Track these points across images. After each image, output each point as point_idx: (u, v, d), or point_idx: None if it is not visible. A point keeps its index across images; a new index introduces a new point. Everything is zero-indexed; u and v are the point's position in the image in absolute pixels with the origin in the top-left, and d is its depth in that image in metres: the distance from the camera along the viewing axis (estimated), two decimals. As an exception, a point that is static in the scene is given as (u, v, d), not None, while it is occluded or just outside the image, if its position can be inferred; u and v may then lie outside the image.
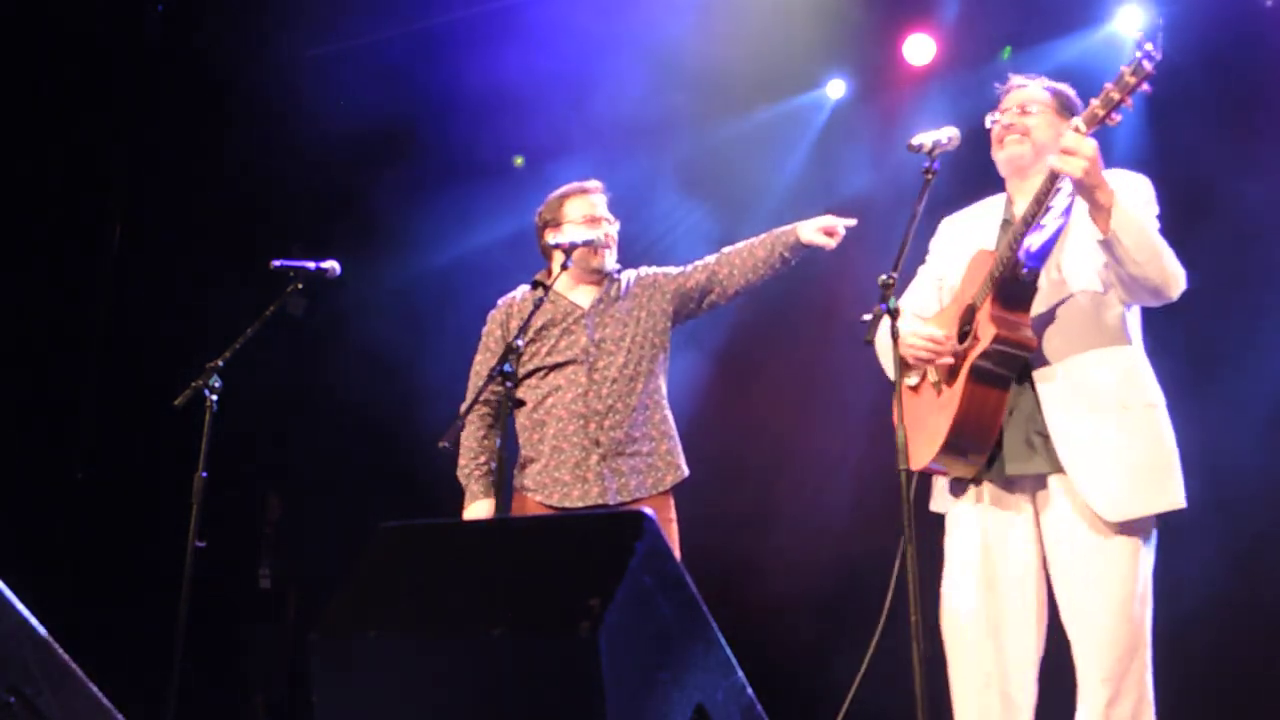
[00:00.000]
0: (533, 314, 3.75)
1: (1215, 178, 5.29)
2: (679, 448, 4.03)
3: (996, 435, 3.04)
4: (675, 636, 1.91)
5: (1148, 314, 3.23)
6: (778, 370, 5.74)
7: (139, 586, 6.24)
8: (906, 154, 3.17)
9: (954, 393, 3.04)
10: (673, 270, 4.18)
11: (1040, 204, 2.96)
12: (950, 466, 3.14)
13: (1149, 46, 2.72)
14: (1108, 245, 2.87)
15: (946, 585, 3.16)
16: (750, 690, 2.03)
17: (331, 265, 4.15)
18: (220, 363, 3.84)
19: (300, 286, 4.10)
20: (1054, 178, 2.91)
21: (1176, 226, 5.48)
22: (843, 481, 5.69)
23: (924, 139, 3.13)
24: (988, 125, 3.25)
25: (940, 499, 3.28)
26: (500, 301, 4.19)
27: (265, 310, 4.03)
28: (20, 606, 1.86)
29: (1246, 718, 4.92)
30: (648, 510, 1.95)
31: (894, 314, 2.84)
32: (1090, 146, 2.79)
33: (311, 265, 4.11)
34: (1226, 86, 5.32)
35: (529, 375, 4.00)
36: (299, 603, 7.26)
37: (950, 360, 3.07)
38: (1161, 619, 3.04)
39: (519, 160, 7.02)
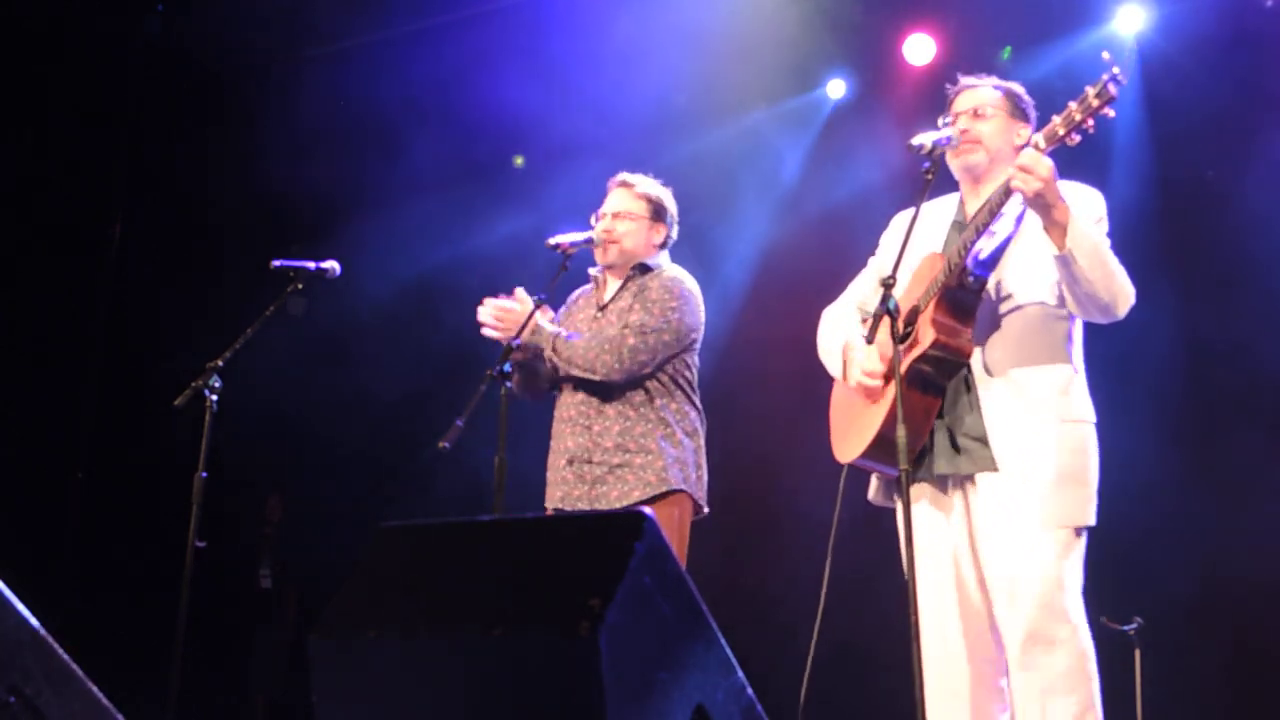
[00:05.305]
0: (532, 313, 3.71)
1: (1214, 176, 5.29)
2: (667, 464, 3.70)
3: (924, 438, 3.07)
4: (675, 636, 1.91)
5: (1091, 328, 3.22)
6: (777, 371, 5.72)
7: (139, 587, 6.25)
8: (906, 154, 3.16)
9: (888, 393, 3.08)
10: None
11: (992, 213, 2.99)
12: (876, 464, 3.19)
13: (1116, 70, 2.71)
14: (1063, 261, 2.88)
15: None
16: (750, 690, 2.03)
17: (331, 265, 4.13)
18: (220, 363, 3.84)
19: (300, 286, 4.09)
20: (1008, 191, 2.92)
21: (1176, 225, 5.54)
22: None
23: (924, 139, 3.10)
24: (939, 128, 3.19)
25: (876, 491, 3.32)
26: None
27: (265, 310, 4.02)
28: (20, 606, 1.85)
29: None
30: (647, 510, 1.95)
31: (894, 314, 2.83)
32: (1046, 167, 2.81)
33: (311, 265, 4.09)
34: (1226, 86, 5.31)
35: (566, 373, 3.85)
36: (299, 603, 7.27)
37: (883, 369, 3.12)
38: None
39: (519, 160, 7.03)
